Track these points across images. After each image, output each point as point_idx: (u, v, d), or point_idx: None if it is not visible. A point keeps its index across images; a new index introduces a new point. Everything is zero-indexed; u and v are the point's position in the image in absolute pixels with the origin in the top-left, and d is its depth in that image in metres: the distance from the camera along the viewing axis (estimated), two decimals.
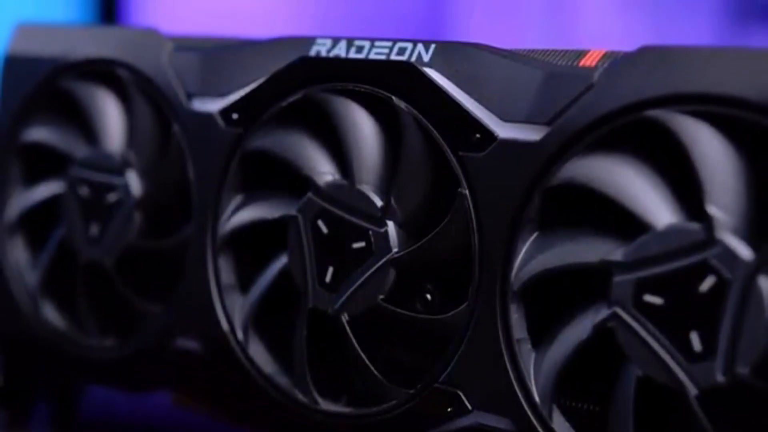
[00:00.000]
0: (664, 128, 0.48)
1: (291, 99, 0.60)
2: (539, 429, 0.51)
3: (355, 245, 0.57)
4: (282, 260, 0.60)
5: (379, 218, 0.56)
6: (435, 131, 0.55)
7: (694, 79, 0.48)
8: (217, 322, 0.62)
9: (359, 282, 0.57)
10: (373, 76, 0.57)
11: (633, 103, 0.49)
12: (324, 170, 0.58)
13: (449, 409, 0.54)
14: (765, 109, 0.46)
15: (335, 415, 0.59)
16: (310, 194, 0.58)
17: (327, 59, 0.59)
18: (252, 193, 0.62)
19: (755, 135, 0.46)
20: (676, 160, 0.47)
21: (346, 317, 0.57)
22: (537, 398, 0.51)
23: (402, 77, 0.56)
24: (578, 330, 0.50)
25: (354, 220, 0.57)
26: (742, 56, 0.47)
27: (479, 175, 0.53)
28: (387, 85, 0.56)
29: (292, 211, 0.59)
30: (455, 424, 0.54)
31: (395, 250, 0.56)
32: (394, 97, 0.56)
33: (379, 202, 0.56)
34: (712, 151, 0.46)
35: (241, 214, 0.61)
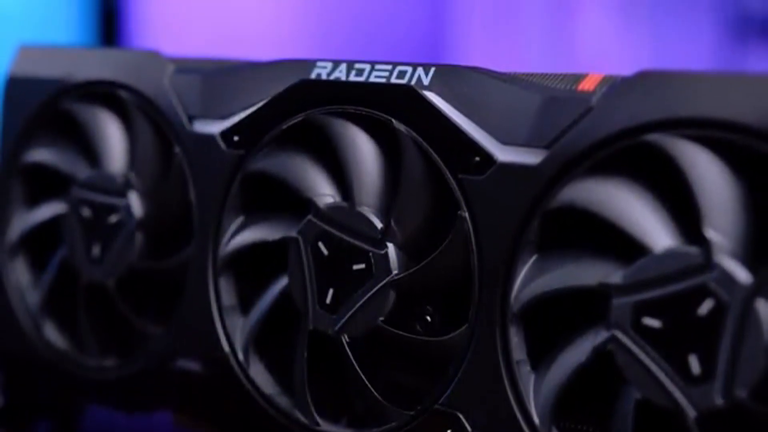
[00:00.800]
0: (663, 152, 0.48)
1: (292, 121, 0.60)
2: None
3: (356, 267, 0.57)
4: (282, 281, 0.60)
5: (379, 240, 0.56)
6: (435, 154, 0.55)
7: (692, 103, 0.48)
8: (218, 343, 0.62)
9: (359, 303, 0.57)
10: (374, 99, 0.57)
11: (631, 127, 0.49)
12: (324, 192, 0.59)
13: (449, 431, 0.55)
14: (763, 134, 0.46)
15: None
16: (310, 216, 0.58)
17: (327, 82, 0.59)
18: (253, 215, 0.62)
19: (753, 159, 0.46)
20: (675, 183, 0.48)
21: (347, 338, 0.57)
22: (536, 420, 0.52)
23: (402, 100, 0.56)
24: (577, 352, 0.50)
25: (354, 241, 0.57)
26: (740, 81, 0.48)
27: (479, 197, 0.54)
28: (387, 108, 0.57)
29: (293, 233, 0.59)
30: None
31: (395, 271, 0.56)
32: (394, 120, 0.56)
33: (379, 224, 0.56)
34: (710, 176, 0.47)
35: (242, 236, 0.62)
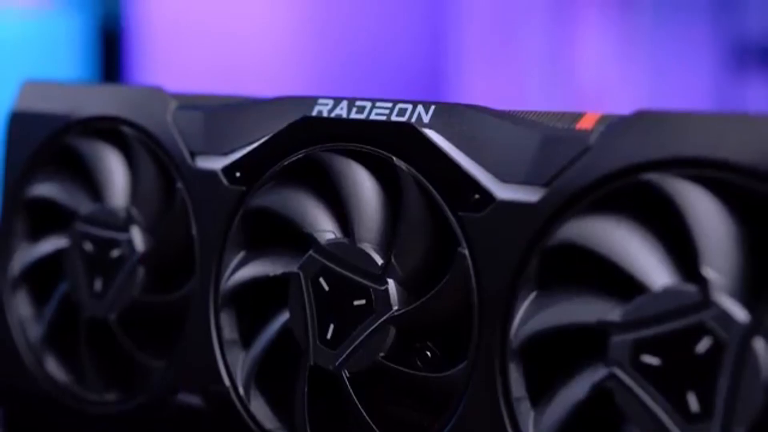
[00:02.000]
0: (661, 192, 0.49)
1: (293, 158, 0.61)
2: None
3: (356, 303, 0.57)
4: (283, 317, 0.60)
5: (379, 276, 0.57)
6: (434, 191, 0.56)
7: (689, 143, 0.49)
8: (219, 378, 0.63)
9: (360, 339, 0.57)
10: (374, 136, 0.58)
11: (629, 166, 0.50)
12: (325, 228, 0.59)
13: None
14: (759, 174, 0.47)
15: None
16: (311, 252, 0.59)
17: (329, 119, 0.60)
18: (254, 250, 0.62)
19: (749, 199, 0.47)
20: (673, 222, 0.48)
21: (347, 374, 0.58)
22: None
23: (402, 138, 0.57)
24: (576, 390, 0.50)
25: (355, 277, 0.57)
26: (736, 121, 0.48)
27: (478, 234, 0.54)
28: (388, 145, 0.57)
29: (294, 269, 0.59)
30: None
31: (396, 307, 0.56)
32: (394, 158, 0.57)
33: (379, 260, 0.57)
34: (707, 215, 0.47)
35: (244, 271, 0.62)
